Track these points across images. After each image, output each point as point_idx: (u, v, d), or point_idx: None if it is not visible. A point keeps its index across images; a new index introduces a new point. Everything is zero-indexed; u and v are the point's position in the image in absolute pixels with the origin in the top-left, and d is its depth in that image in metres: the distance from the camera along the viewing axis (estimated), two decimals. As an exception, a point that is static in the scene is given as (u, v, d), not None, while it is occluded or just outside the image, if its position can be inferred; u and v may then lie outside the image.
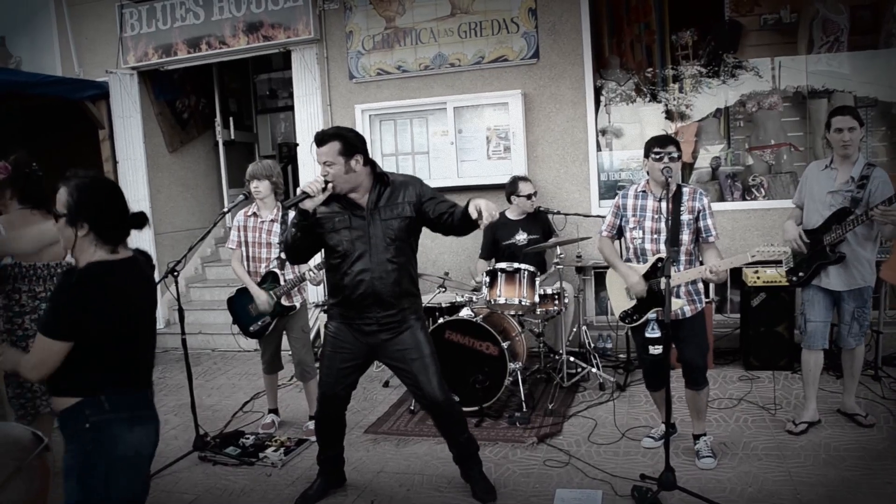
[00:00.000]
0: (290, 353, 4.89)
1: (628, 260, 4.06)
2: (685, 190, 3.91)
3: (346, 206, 3.53)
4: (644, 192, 3.97)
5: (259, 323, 4.69)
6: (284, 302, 4.66)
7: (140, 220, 2.55)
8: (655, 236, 3.89)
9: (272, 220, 4.72)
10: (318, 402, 3.81)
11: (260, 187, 4.67)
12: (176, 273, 4.37)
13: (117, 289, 2.42)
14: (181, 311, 4.57)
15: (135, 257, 2.57)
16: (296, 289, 4.70)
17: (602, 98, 6.46)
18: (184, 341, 4.59)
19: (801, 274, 4.29)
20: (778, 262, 4.77)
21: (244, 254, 4.76)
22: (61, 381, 2.40)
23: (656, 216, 3.88)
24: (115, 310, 2.41)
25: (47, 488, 2.58)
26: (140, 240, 3.34)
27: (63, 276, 2.39)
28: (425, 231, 3.71)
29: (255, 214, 4.73)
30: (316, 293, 6.81)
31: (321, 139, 3.43)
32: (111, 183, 2.54)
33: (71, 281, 2.37)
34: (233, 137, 9.11)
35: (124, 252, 2.51)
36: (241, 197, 4.66)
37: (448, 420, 3.78)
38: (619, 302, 4.13)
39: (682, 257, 3.87)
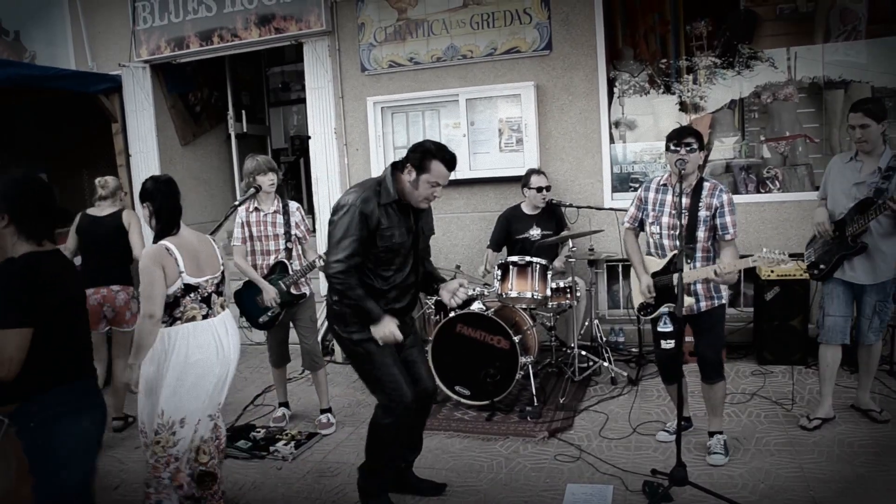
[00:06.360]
0: (298, 344, 4.90)
1: (648, 253, 4.04)
2: (706, 185, 3.85)
3: (399, 212, 3.41)
4: (665, 185, 3.94)
5: (268, 314, 4.70)
6: (294, 291, 4.68)
7: (64, 217, 2.72)
8: (673, 232, 3.84)
9: (275, 212, 4.75)
10: (396, 416, 3.44)
11: (274, 179, 4.72)
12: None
13: (54, 278, 2.54)
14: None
15: (58, 250, 2.67)
16: (304, 278, 4.73)
17: (615, 90, 6.40)
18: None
19: (822, 267, 4.23)
20: (798, 256, 4.68)
21: (252, 249, 4.76)
22: (4, 385, 2.42)
23: (674, 212, 3.82)
24: (55, 299, 2.52)
25: (25, 462, 2.60)
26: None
27: (3, 265, 2.46)
28: (437, 223, 3.86)
29: (256, 209, 4.74)
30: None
31: (455, 161, 3.41)
32: (36, 181, 2.65)
33: (13, 268, 2.44)
34: (245, 130, 9.10)
35: (49, 245, 2.62)
36: (253, 190, 4.67)
37: (427, 411, 3.82)
38: (639, 294, 4.10)
39: (699, 254, 3.84)
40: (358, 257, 3.31)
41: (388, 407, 3.44)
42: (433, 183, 3.33)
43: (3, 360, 2.35)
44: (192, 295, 3.24)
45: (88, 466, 2.66)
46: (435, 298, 5.55)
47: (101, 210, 4.99)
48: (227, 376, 3.39)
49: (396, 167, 3.43)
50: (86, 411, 2.64)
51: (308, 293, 4.80)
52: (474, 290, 5.42)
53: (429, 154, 3.31)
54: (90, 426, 2.65)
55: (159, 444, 3.17)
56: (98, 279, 4.86)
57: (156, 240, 3.27)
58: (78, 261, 5.00)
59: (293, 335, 4.88)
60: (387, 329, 3.33)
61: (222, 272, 3.47)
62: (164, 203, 3.29)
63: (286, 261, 4.68)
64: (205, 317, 3.28)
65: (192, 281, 3.23)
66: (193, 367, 3.18)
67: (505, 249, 5.85)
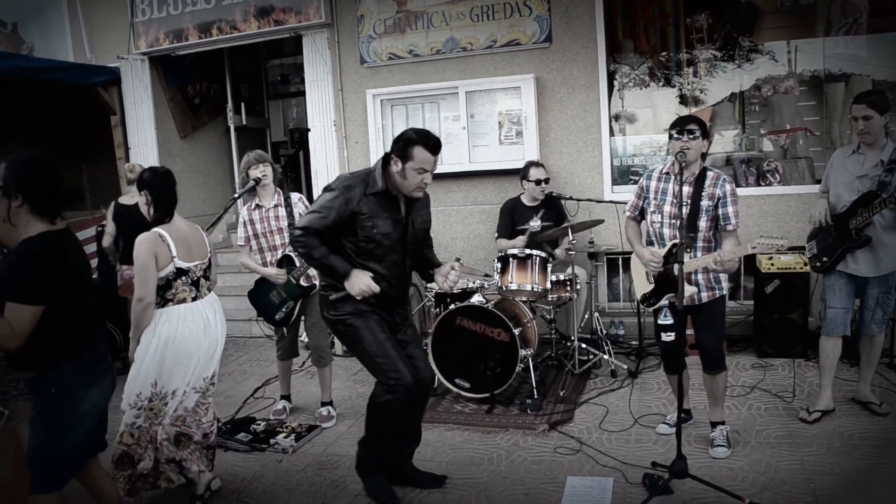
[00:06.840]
0: (304, 339, 4.90)
1: (649, 242, 4.03)
2: (709, 174, 3.83)
3: (384, 203, 3.43)
4: (668, 174, 3.92)
5: (284, 310, 4.69)
6: (303, 283, 4.67)
7: (73, 196, 2.89)
8: (674, 221, 3.83)
9: (276, 206, 4.74)
10: (396, 395, 3.44)
11: (266, 171, 4.70)
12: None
13: (66, 257, 2.69)
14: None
15: (68, 228, 2.81)
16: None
17: (615, 83, 6.39)
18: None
19: (824, 259, 4.24)
20: (799, 249, 4.69)
21: (259, 246, 4.76)
22: (25, 356, 2.62)
23: (676, 201, 3.79)
24: (68, 276, 2.68)
25: (23, 455, 2.75)
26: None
27: (23, 244, 2.58)
28: (436, 216, 3.78)
29: (258, 206, 4.74)
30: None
31: (440, 145, 3.41)
32: (46, 161, 2.76)
33: (34, 248, 2.56)
34: (244, 123, 9.08)
35: (61, 223, 2.75)
36: (252, 183, 4.67)
37: (425, 402, 3.82)
38: (641, 285, 4.10)
39: (700, 244, 3.82)
40: (320, 230, 3.37)
41: (387, 386, 3.46)
42: (419, 170, 3.33)
43: (18, 334, 2.52)
44: (182, 278, 3.53)
45: (94, 427, 2.89)
46: (435, 291, 5.55)
47: (131, 198, 5.53)
48: (216, 352, 3.68)
49: (386, 161, 3.45)
50: (97, 379, 2.84)
51: (318, 284, 4.77)
52: (474, 282, 5.42)
53: (411, 142, 3.33)
54: (101, 392, 2.87)
55: (152, 411, 3.50)
56: (129, 259, 5.46)
57: (151, 227, 3.53)
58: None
59: (302, 329, 4.88)
60: (360, 282, 3.34)
61: (209, 259, 3.75)
62: (163, 194, 3.56)
63: (292, 253, 4.67)
64: (194, 299, 3.58)
65: (184, 265, 3.52)
66: (183, 344, 3.49)
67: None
